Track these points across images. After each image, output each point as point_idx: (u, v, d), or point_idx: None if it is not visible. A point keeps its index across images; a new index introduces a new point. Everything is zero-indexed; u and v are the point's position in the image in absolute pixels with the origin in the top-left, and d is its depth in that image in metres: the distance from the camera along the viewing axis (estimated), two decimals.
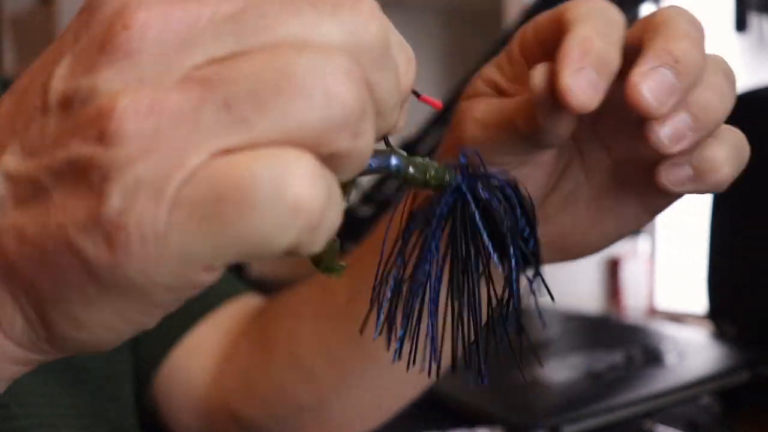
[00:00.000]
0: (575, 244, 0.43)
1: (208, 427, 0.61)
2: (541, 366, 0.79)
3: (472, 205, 0.30)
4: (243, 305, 0.65)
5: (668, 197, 0.40)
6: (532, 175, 0.41)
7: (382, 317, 0.32)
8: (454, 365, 0.34)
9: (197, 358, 0.62)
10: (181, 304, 0.25)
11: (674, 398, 0.71)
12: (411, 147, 1.03)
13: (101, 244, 0.22)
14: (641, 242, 1.29)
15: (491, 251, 0.30)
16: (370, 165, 0.28)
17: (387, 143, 0.28)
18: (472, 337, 0.33)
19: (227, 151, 0.21)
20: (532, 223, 0.31)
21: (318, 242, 0.22)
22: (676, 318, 1.17)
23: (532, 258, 0.32)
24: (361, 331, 0.34)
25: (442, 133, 0.55)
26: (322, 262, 0.30)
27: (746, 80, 1.17)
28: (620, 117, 0.38)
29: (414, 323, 0.32)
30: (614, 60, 0.33)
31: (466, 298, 0.32)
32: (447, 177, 0.30)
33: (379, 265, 0.32)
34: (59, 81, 0.23)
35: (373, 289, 0.32)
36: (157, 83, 0.22)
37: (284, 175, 0.21)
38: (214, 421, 0.61)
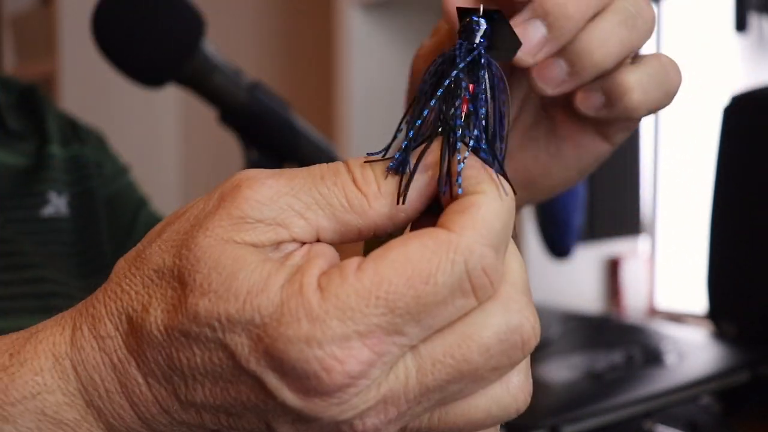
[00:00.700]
0: (540, 178, 0.44)
1: None
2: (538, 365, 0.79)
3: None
4: None
5: (621, 123, 0.41)
6: None
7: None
8: None
9: None
10: None
11: (674, 398, 0.71)
12: None
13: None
14: (641, 242, 1.29)
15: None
16: None
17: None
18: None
19: None
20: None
21: None
22: (676, 318, 1.17)
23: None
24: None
25: None
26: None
27: (746, 80, 1.17)
28: None
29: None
30: None
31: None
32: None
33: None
34: None
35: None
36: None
37: None
38: None
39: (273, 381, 0.26)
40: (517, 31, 0.33)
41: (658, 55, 0.39)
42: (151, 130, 1.86)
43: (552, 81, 0.37)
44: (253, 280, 0.26)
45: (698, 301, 1.00)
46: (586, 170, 0.44)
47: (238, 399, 0.27)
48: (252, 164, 0.74)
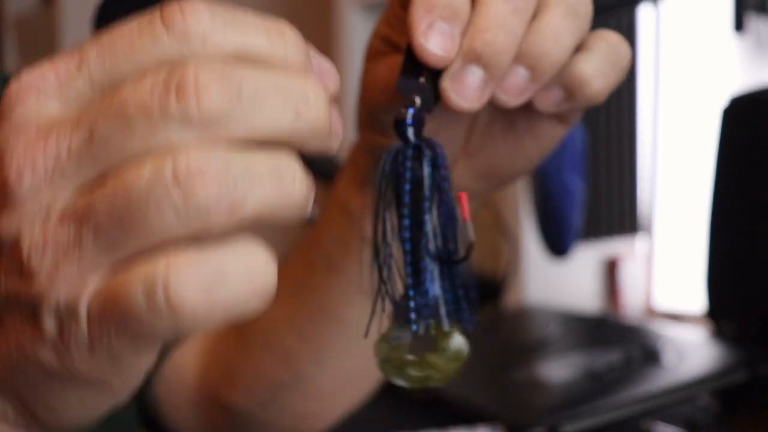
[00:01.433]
0: (503, 170, 0.45)
1: (203, 419, 0.62)
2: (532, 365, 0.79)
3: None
4: None
5: (576, 109, 0.41)
6: (447, 118, 0.42)
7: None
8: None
9: (191, 354, 0.62)
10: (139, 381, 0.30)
11: (673, 397, 0.71)
12: None
13: (51, 354, 0.26)
14: (639, 242, 1.29)
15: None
16: None
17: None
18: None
19: (118, 267, 0.25)
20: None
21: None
22: (675, 318, 1.17)
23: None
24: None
25: None
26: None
27: (744, 81, 1.17)
28: None
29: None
30: (462, 6, 0.34)
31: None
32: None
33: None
34: None
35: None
36: (45, 220, 0.25)
37: (154, 285, 0.24)
38: (207, 413, 0.61)
39: None
40: (454, 82, 0.33)
41: (602, 35, 0.38)
42: None
43: (515, 91, 0.36)
44: None
45: (697, 300, 1.00)
46: (545, 153, 0.44)
47: None
48: None
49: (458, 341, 0.36)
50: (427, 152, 0.34)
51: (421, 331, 0.34)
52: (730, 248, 0.85)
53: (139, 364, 0.28)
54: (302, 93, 0.26)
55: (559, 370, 0.78)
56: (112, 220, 0.24)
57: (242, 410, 0.60)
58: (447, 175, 0.34)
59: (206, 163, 0.23)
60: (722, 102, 0.83)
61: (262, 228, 0.26)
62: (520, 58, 0.35)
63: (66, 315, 0.25)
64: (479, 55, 0.34)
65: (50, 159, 0.25)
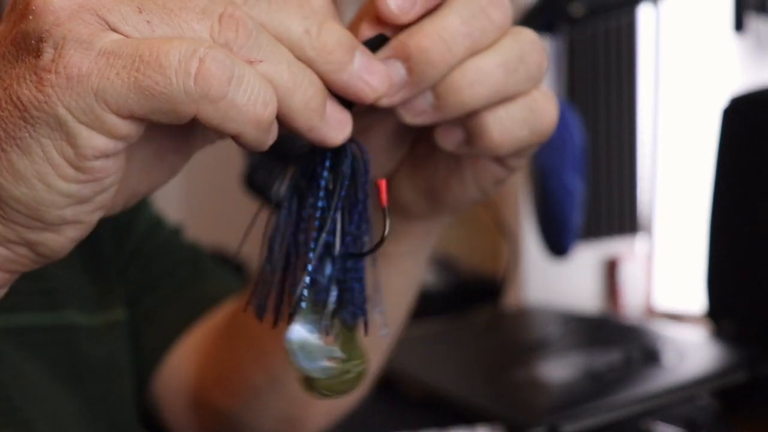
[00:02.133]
0: (441, 190, 0.43)
1: (198, 421, 0.62)
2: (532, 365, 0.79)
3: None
4: (233, 302, 0.65)
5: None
6: (382, 139, 0.42)
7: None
8: None
9: (189, 356, 0.62)
10: (112, 183, 0.30)
11: (673, 397, 0.71)
12: None
13: (34, 85, 0.28)
14: (639, 242, 1.29)
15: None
16: None
17: None
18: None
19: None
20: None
21: (218, 119, 0.28)
22: (675, 318, 1.18)
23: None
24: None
25: None
26: (313, 386, 0.35)
27: (744, 81, 1.17)
28: None
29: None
30: None
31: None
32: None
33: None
34: None
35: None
36: None
37: (194, 50, 0.27)
38: (201, 415, 0.62)
39: None
40: (372, 69, 0.33)
41: (536, 95, 0.36)
42: None
43: (412, 109, 0.35)
44: None
45: (697, 300, 1.00)
46: (485, 189, 0.42)
47: None
48: (252, 164, 0.75)
49: (360, 351, 0.35)
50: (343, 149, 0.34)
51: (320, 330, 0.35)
52: (730, 248, 0.85)
53: (110, 120, 0.28)
54: (318, 20, 0.31)
55: (559, 370, 0.78)
56: (158, 8, 0.29)
57: (229, 412, 0.60)
58: (358, 170, 0.34)
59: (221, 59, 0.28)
60: (722, 102, 0.83)
61: None
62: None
63: (75, 44, 0.28)
64: (408, 56, 0.33)
65: None
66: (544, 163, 0.87)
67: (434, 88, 0.34)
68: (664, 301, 1.26)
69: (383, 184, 0.34)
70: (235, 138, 0.30)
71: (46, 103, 0.28)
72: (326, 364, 0.34)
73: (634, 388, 0.72)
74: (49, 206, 0.30)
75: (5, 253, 0.31)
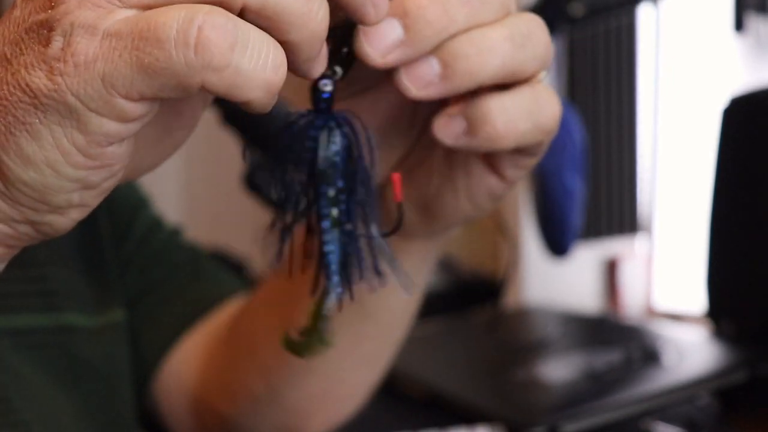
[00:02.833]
0: (433, 202, 0.42)
1: (198, 424, 0.62)
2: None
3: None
4: (236, 305, 0.65)
5: (508, 155, 0.39)
6: (388, 139, 0.41)
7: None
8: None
9: (190, 359, 0.62)
10: (120, 169, 0.30)
11: (673, 397, 0.71)
12: None
13: (44, 74, 0.28)
14: (639, 242, 1.29)
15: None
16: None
17: None
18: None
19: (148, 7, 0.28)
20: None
21: (224, 87, 0.27)
22: (675, 318, 1.17)
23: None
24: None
25: None
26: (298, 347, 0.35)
27: (744, 80, 1.17)
28: None
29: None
30: None
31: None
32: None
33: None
34: None
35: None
36: None
37: (191, 18, 0.27)
38: (204, 420, 0.62)
39: None
40: (370, 31, 0.32)
41: (532, 84, 0.36)
42: None
43: (419, 80, 0.34)
44: None
45: (697, 300, 1.00)
46: (479, 204, 0.41)
47: None
48: (252, 164, 0.75)
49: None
50: (337, 122, 0.34)
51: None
52: (730, 248, 0.85)
53: (120, 104, 0.28)
54: None
55: (559, 370, 0.78)
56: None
57: (229, 418, 0.60)
58: (360, 146, 0.34)
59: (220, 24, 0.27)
60: (722, 102, 0.83)
61: None
62: (439, 50, 0.33)
63: (82, 31, 0.27)
64: (406, 13, 0.32)
65: None
66: (544, 163, 0.87)
67: (441, 55, 0.33)
68: (664, 301, 1.26)
69: (397, 178, 0.34)
70: (244, 105, 0.29)
71: (56, 91, 0.28)
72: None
73: (634, 388, 0.72)
74: (57, 191, 0.30)
75: (7, 231, 0.31)
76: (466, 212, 0.42)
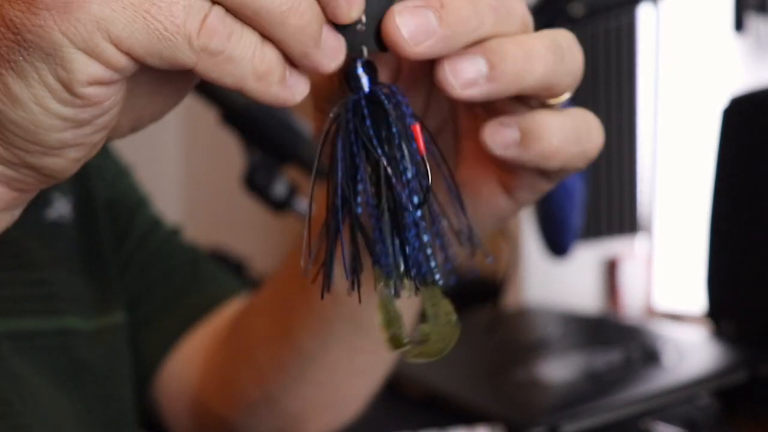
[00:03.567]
0: None
1: (198, 425, 0.62)
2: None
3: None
4: (236, 306, 0.65)
5: (527, 177, 0.38)
6: None
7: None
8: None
9: (191, 360, 0.62)
10: (108, 119, 0.30)
11: (673, 397, 0.71)
12: None
13: (26, 7, 0.27)
14: (639, 242, 1.29)
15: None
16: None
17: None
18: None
19: None
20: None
21: (216, 72, 0.29)
22: (675, 318, 1.18)
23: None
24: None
25: None
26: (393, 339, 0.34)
27: (744, 80, 1.17)
28: None
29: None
30: None
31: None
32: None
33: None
34: None
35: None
36: None
37: (201, 7, 0.28)
38: (203, 422, 0.62)
39: None
40: (405, 11, 0.31)
41: (584, 111, 0.36)
42: (152, 130, 1.86)
43: (465, 79, 0.33)
44: None
45: (696, 300, 1.00)
46: (483, 224, 0.41)
47: None
48: (253, 164, 0.75)
49: (446, 306, 0.35)
50: (386, 97, 0.33)
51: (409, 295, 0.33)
52: (730, 248, 0.85)
53: (107, 50, 0.28)
54: None
55: (559, 370, 0.78)
56: None
57: (227, 421, 0.60)
58: (411, 115, 0.33)
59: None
60: (722, 102, 0.83)
61: None
62: (485, 50, 0.33)
63: None
64: (443, 5, 0.32)
65: None
66: None
67: (489, 56, 0.33)
68: (664, 301, 1.26)
69: (416, 129, 0.33)
70: (240, 92, 0.30)
71: (41, 27, 0.27)
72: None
73: (634, 388, 0.72)
74: (48, 129, 0.29)
75: (9, 173, 0.31)
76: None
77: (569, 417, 0.67)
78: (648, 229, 1.29)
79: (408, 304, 0.36)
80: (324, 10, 0.31)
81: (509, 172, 0.39)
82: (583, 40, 0.36)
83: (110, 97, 0.30)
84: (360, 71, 0.33)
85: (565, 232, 0.88)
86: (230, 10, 0.29)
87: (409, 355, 0.34)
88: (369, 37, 0.32)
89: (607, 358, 0.80)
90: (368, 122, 0.33)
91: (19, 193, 0.32)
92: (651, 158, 1.28)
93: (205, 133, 1.83)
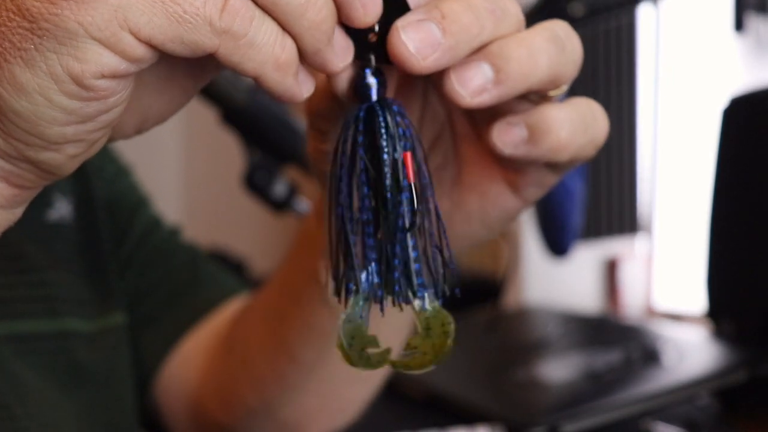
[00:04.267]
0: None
1: (197, 426, 0.62)
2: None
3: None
4: (236, 306, 0.65)
5: (534, 174, 0.38)
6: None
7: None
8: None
9: (191, 361, 0.62)
10: (114, 112, 0.30)
11: (673, 397, 0.71)
12: None
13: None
14: (639, 242, 1.29)
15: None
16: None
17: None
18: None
19: None
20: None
21: (237, 56, 0.29)
22: (675, 318, 1.18)
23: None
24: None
25: None
26: (350, 357, 0.34)
27: (744, 80, 1.17)
28: None
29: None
30: None
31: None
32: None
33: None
34: None
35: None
36: None
37: None
38: (202, 425, 0.62)
39: None
40: (410, 26, 0.32)
41: (586, 99, 0.36)
42: (152, 130, 1.86)
43: (474, 87, 0.33)
44: None
45: (697, 300, 1.00)
46: (492, 225, 0.40)
47: None
48: (253, 164, 0.75)
49: (444, 318, 0.35)
50: (393, 110, 0.33)
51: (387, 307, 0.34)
52: (730, 248, 0.85)
53: (125, 40, 0.28)
54: None
55: (559, 370, 0.78)
56: None
57: (226, 426, 0.60)
58: (412, 133, 0.33)
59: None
60: (722, 102, 0.83)
61: None
62: (488, 55, 0.33)
63: None
64: (444, 15, 0.32)
65: None
66: None
67: (492, 60, 0.33)
68: (664, 301, 1.26)
69: (408, 156, 0.33)
70: (257, 80, 0.30)
71: (57, 16, 0.27)
72: (367, 352, 0.34)
73: (634, 388, 0.72)
74: (50, 122, 0.29)
75: (8, 167, 0.31)
76: (477, 236, 0.41)
77: (569, 417, 0.67)
78: (648, 229, 1.29)
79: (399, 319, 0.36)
80: (338, 10, 0.31)
81: (515, 170, 0.39)
82: (583, 40, 0.36)
83: (118, 92, 0.29)
84: (371, 80, 0.33)
85: (565, 232, 0.88)
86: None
87: (396, 367, 0.34)
88: (378, 47, 0.32)
89: (607, 358, 0.80)
90: (383, 131, 0.33)
91: (19, 190, 0.32)
92: (651, 158, 1.28)
93: (205, 133, 1.83)
